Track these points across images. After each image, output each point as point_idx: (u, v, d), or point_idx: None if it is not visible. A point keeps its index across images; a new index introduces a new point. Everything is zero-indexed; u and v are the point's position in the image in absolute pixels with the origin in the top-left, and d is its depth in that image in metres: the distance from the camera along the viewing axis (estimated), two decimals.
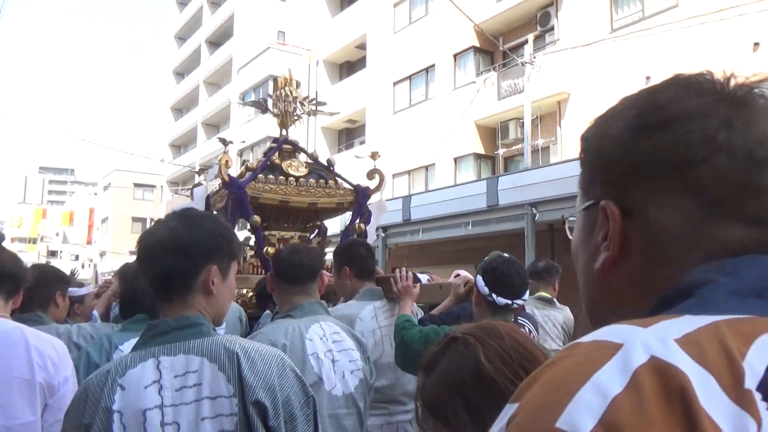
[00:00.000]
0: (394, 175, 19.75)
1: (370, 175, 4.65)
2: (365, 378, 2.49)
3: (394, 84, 20.26)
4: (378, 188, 4.58)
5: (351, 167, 22.84)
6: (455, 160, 17.71)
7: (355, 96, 22.17)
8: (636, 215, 0.64)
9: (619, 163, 0.67)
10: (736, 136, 0.61)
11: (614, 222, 0.65)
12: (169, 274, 1.49)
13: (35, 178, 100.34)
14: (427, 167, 18.56)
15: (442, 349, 1.25)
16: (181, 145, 40.63)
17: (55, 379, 1.97)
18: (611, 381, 0.47)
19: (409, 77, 19.75)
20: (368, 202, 4.59)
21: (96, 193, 60.85)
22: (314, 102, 4.93)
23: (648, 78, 13.13)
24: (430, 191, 16.27)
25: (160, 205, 34.09)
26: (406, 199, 14.72)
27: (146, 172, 45.86)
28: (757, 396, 0.46)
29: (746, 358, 0.48)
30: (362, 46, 22.46)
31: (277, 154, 4.45)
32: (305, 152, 4.67)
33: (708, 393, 0.46)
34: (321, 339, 2.42)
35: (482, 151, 17.27)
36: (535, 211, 11.56)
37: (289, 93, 4.66)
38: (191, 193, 4.80)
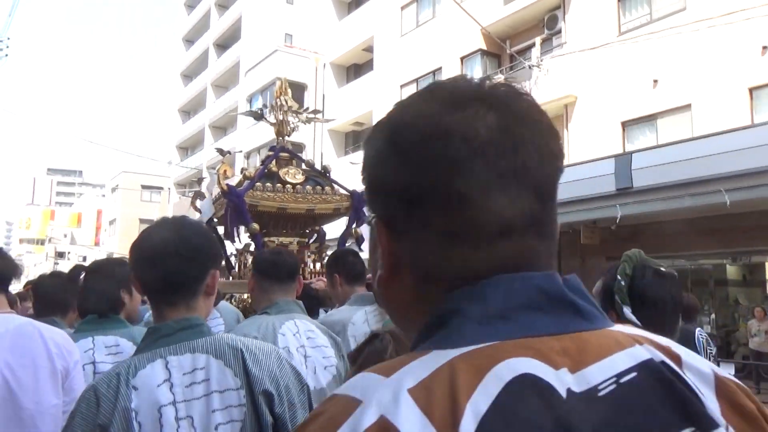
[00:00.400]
0: None
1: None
2: (338, 374, 2.59)
3: (401, 87, 20.26)
4: None
5: (355, 171, 22.99)
6: None
7: (362, 99, 22.19)
8: (404, 236, 0.64)
9: (380, 184, 0.66)
10: (478, 160, 0.60)
11: (382, 243, 0.65)
12: (178, 280, 1.55)
13: (43, 180, 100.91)
14: None
15: (365, 344, 1.31)
16: (188, 148, 40.77)
17: (70, 365, 2.16)
18: None
19: (416, 80, 19.75)
20: (365, 208, 4.63)
21: (104, 195, 61.10)
22: (310, 110, 5.00)
23: (656, 81, 13.09)
24: None
25: (167, 207, 34.23)
26: None
27: (154, 174, 46.04)
28: None
29: (471, 399, 0.51)
30: (369, 49, 22.49)
31: (274, 162, 4.53)
32: (302, 159, 4.74)
33: None
34: (294, 335, 2.51)
35: None
36: None
37: (284, 102, 4.73)
38: (192, 201, 4.85)
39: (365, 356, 1.28)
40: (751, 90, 11.71)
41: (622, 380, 0.56)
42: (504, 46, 16.34)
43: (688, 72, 12.45)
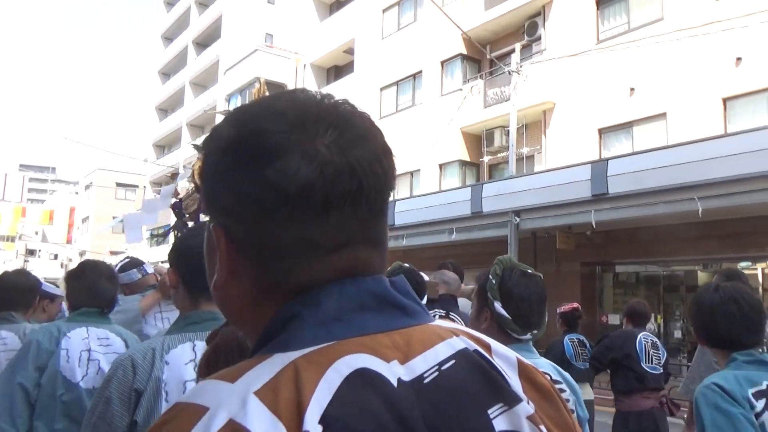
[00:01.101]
0: None
1: None
2: None
3: (381, 89, 20.29)
4: None
5: None
6: (440, 166, 17.75)
7: None
8: (243, 245, 0.66)
9: (219, 195, 0.68)
10: (318, 170, 0.63)
11: (221, 248, 0.68)
12: None
13: (15, 176, 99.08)
14: (412, 173, 18.59)
15: (216, 333, 1.47)
16: (165, 146, 40.35)
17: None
18: None
19: (397, 83, 19.79)
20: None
21: (77, 192, 60.24)
22: None
23: (632, 89, 13.27)
24: (414, 197, 16.30)
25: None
26: (391, 205, 14.67)
27: (129, 171, 45.51)
28: (318, 429, 0.55)
29: (315, 393, 0.56)
30: (350, 51, 22.48)
31: None
32: None
33: None
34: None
35: (467, 158, 17.34)
36: (518, 219, 11.62)
37: None
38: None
39: (220, 336, 1.34)
40: (724, 100, 11.93)
41: (443, 368, 0.65)
42: (484, 51, 16.44)
43: (664, 81, 12.64)
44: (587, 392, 6.03)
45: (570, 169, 11.37)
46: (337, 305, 0.64)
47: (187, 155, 31.83)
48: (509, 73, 14.85)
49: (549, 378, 1.36)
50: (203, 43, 35.18)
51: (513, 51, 15.21)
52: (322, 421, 0.55)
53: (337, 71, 24.35)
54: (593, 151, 13.82)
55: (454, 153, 17.34)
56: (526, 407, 0.67)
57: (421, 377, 0.63)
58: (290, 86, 25.42)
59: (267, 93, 4.99)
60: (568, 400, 1.92)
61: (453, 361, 0.66)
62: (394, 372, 0.62)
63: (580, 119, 14.27)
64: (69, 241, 52.15)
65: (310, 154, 0.63)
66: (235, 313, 0.72)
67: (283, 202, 0.62)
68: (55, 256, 53.77)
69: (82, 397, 2.38)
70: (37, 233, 61.17)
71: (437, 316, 4.84)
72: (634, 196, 9.87)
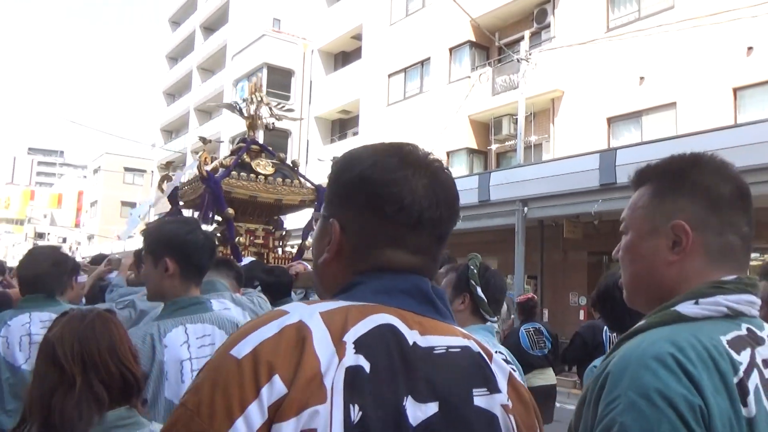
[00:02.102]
0: None
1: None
2: None
3: (389, 76, 20.21)
4: None
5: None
6: (448, 154, 17.72)
7: (350, 87, 22.11)
8: (347, 231, 0.97)
9: (346, 200, 0.98)
10: (417, 200, 0.94)
11: (335, 235, 0.97)
12: (204, 268, 2.18)
13: (24, 159, 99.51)
14: None
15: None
16: (172, 131, 40.39)
17: None
18: (269, 330, 0.83)
19: (404, 70, 19.71)
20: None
21: (85, 176, 60.42)
22: (284, 108, 5.47)
23: (642, 78, 13.17)
24: None
25: (150, 190, 33.91)
26: None
27: (137, 156, 45.57)
28: (350, 345, 0.83)
29: (355, 326, 0.85)
30: (358, 37, 22.38)
31: (246, 153, 4.91)
32: (272, 153, 5.12)
33: (321, 341, 0.82)
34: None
35: (475, 146, 17.29)
36: (525, 208, 11.60)
37: (257, 99, 5.14)
38: (159, 183, 5.10)
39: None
40: (735, 90, 11.83)
41: (450, 350, 0.92)
42: (493, 39, 16.33)
43: (674, 70, 12.54)
44: (549, 377, 6.19)
45: (578, 158, 11.32)
46: (390, 284, 0.93)
47: (194, 140, 31.86)
48: (518, 60, 14.76)
49: (504, 357, 1.75)
50: (211, 27, 35.07)
51: (522, 38, 15.11)
52: (356, 342, 0.84)
53: (344, 57, 24.26)
54: (602, 141, 13.76)
55: (461, 141, 17.29)
56: (503, 398, 0.92)
57: (432, 348, 0.90)
58: (297, 72, 25.37)
59: (264, 88, 5.25)
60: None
61: (459, 350, 0.93)
62: (412, 336, 0.89)
63: (588, 108, 14.19)
64: (77, 225, 52.41)
65: (412, 188, 0.94)
66: (327, 282, 1.01)
67: (390, 214, 0.94)
68: (64, 240, 54.05)
69: (26, 379, 2.48)
70: (45, 217, 61.53)
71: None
72: None
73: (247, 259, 4.36)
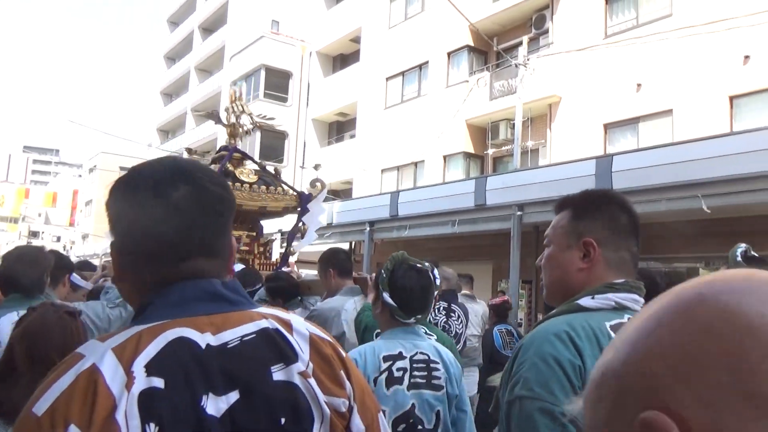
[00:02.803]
0: (383, 171, 19.75)
1: (313, 183, 5.31)
2: None
3: (387, 79, 20.24)
4: (318, 195, 5.24)
5: (336, 161, 22.49)
6: (445, 158, 17.74)
7: (348, 89, 22.13)
8: (126, 255, 1.06)
9: (115, 225, 1.07)
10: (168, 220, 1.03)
11: (113, 257, 1.07)
12: None
13: (19, 157, 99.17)
14: (416, 164, 18.58)
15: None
16: (169, 131, 40.34)
17: None
18: (65, 381, 0.88)
19: (402, 73, 19.74)
20: (308, 205, 5.18)
21: (80, 175, 60.24)
22: (264, 117, 5.59)
23: (639, 85, 13.23)
24: (418, 188, 16.28)
25: None
26: (394, 195, 14.72)
27: (133, 156, 45.46)
28: (141, 370, 0.89)
29: (146, 349, 0.91)
30: (356, 40, 22.41)
31: (228, 161, 5.01)
32: (253, 160, 5.27)
33: (113, 377, 0.88)
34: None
35: (472, 150, 17.32)
36: (521, 212, 11.62)
37: (237, 108, 5.25)
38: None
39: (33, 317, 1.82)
40: (731, 98, 11.89)
41: (245, 338, 1.00)
42: (491, 43, 16.38)
43: (671, 77, 12.60)
44: None
45: (574, 164, 11.35)
46: (179, 296, 0.99)
47: (191, 140, 31.82)
48: (516, 65, 14.80)
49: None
50: (209, 28, 35.07)
51: (520, 44, 15.15)
52: (147, 365, 0.90)
53: (342, 60, 24.29)
54: (598, 146, 13.80)
55: (458, 145, 17.32)
56: (301, 366, 1.03)
57: (225, 344, 0.98)
58: (296, 74, 25.39)
59: (243, 97, 5.38)
60: (439, 377, 2.31)
61: (254, 335, 1.01)
62: (205, 339, 0.96)
63: (585, 114, 14.24)
64: (72, 224, 52.24)
65: (173, 205, 1.01)
66: (128, 299, 1.09)
67: (154, 235, 1.02)
68: (58, 239, 53.87)
69: None
70: (40, 215, 61.29)
71: (441, 308, 5.02)
72: (638, 192, 9.85)
73: (236, 266, 4.40)
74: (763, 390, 0.40)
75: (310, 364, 1.04)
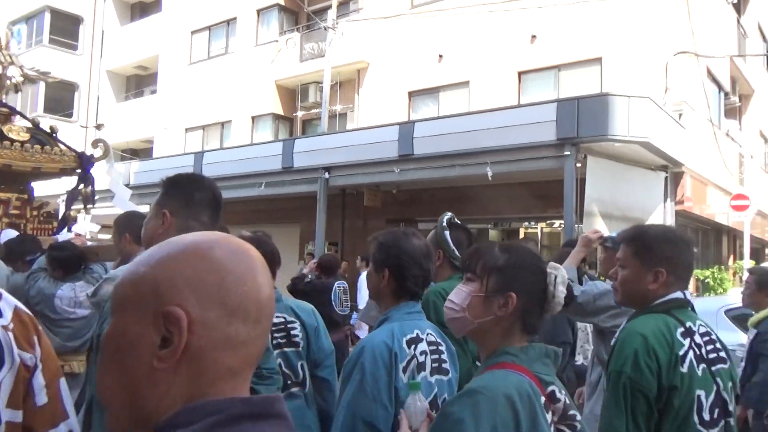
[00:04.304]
0: (187, 130, 18.81)
1: (95, 144, 5.02)
2: None
3: (192, 33, 19.15)
4: (103, 157, 4.98)
5: (133, 118, 20.92)
6: (253, 118, 17.33)
7: (148, 41, 20.57)
8: None
9: None
10: None
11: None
12: None
13: None
14: (223, 124, 17.94)
15: None
16: None
17: None
18: None
19: (209, 27, 18.79)
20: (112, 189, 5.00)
21: None
22: (39, 70, 5.18)
23: (441, 56, 13.89)
24: (225, 149, 15.78)
25: None
26: (199, 155, 14.11)
27: None
28: None
29: None
30: None
31: None
32: (24, 117, 4.93)
33: None
34: None
35: (281, 112, 17.10)
36: (328, 175, 11.75)
37: (4, 58, 4.79)
38: None
39: None
40: (519, 73, 12.95)
41: None
42: (302, 4, 16.16)
43: (469, 51, 13.39)
44: None
45: (380, 129, 11.68)
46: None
47: None
48: (325, 28, 14.77)
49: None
50: None
51: (330, 6, 15.12)
52: None
53: (142, 8, 22.48)
54: (403, 113, 14.33)
55: (267, 106, 16.99)
56: (3, 321, 1.27)
57: None
58: (87, 19, 23.05)
59: (11, 46, 4.86)
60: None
61: None
62: None
63: (392, 81, 14.66)
64: None
65: None
66: None
67: None
68: None
69: None
70: None
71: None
72: (436, 158, 10.43)
73: (6, 233, 3.97)
74: (229, 300, 0.72)
75: (11, 324, 1.28)
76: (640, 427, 1.84)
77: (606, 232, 3.08)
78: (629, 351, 1.89)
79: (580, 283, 2.97)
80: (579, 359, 3.98)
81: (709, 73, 13.26)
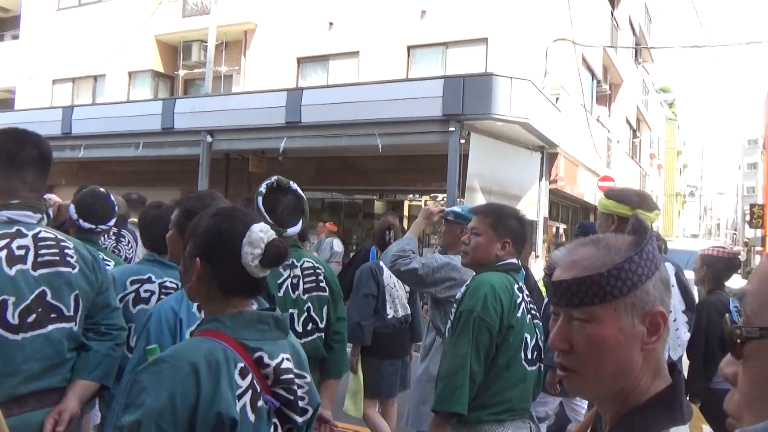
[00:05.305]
0: (54, 81, 17.40)
1: None
2: None
3: None
4: None
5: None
6: (130, 74, 16.32)
7: None
8: None
9: None
10: None
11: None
12: None
13: None
14: (96, 77, 16.73)
15: None
16: None
17: None
18: None
19: None
20: None
21: None
22: None
23: (331, 24, 13.71)
24: (97, 104, 14.79)
25: None
26: (67, 110, 13.11)
27: None
28: None
29: None
30: None
31: None
32: None
33: None
34: None
35: (161, 70, 16.22)
36: (211, 139, 11.35)
37: None
38: None
39: None
40: (409, 48, 13.08)
41: None
42: None
43: (360, 20, 13.32)
44: None
45: (266, 94, 11.40)
46: None
47: None
48: None
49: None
50: None
51: None
52: None
53: None
54: (291, 79, 14.06)
55: (146, 62, 16.04)
56: None
57: None
58: None
59: None
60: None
61: None
62: None
63: (280, 45, 14.31)
64: None
65: None
66: None
67: None
68: None
69: None
70: None
71: (111, 233, 4.74)
72: (324, 127, 10.35)
73: None
74: None
75: None
76: (480, 356, 2.36)
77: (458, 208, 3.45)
78: (480, 295, 2.40)
79: (421, 254, 3.37)
80: (390, 312, 4.25)
81: (584, 60, 14.07)
